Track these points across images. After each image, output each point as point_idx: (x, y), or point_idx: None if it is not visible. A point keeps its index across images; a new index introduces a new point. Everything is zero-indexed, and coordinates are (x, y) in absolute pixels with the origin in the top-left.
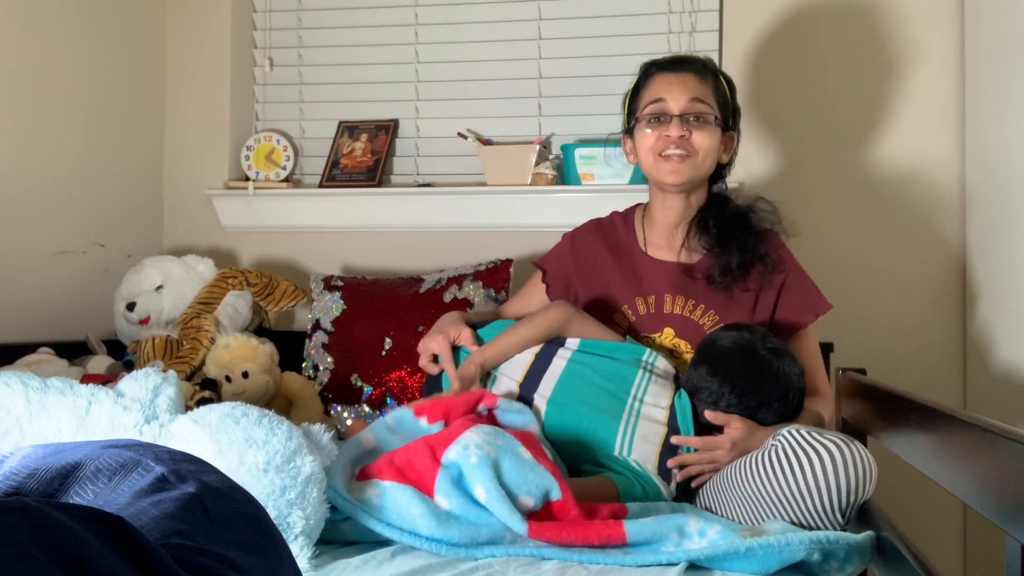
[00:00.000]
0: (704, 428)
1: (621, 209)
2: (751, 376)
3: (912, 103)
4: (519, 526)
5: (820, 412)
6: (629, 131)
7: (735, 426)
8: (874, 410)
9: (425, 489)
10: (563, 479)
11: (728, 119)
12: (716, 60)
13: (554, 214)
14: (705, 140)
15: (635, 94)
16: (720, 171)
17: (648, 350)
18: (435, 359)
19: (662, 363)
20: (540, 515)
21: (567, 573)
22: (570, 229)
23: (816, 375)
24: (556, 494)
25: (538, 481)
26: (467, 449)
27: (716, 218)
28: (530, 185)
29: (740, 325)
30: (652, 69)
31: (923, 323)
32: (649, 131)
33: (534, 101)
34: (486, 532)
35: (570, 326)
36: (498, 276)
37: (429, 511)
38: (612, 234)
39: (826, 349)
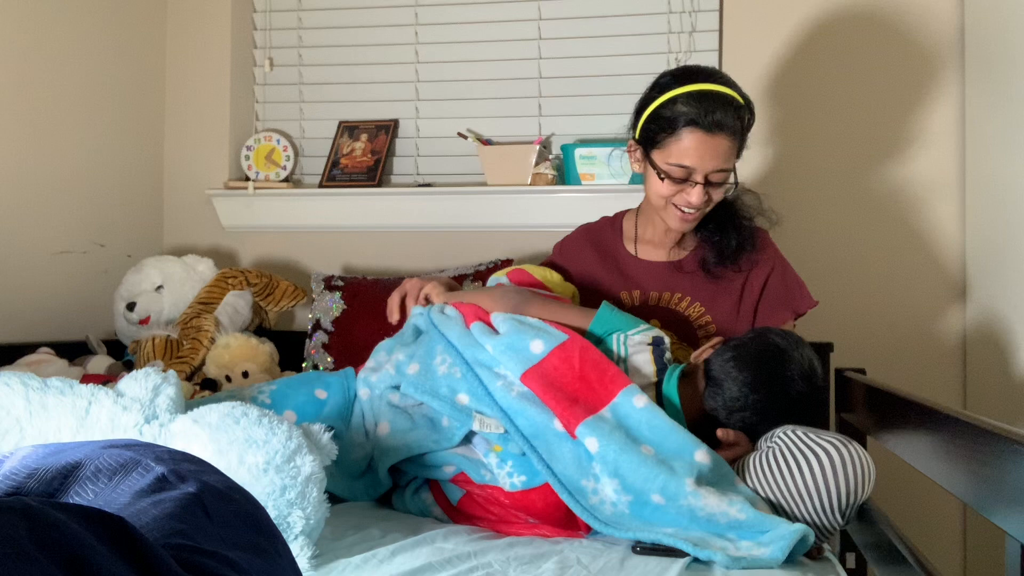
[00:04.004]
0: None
1: (621, 209)
2: (775, 413)
3: (913, 100)
4: (552, 341)
5: None
6: (641, 144)
7: (742, 443)
8: (873, 410)
9: (467, 321)
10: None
11: (742, 148)
12: (715, 60)
13: (554, 214)
14: (719, 195)
15: (659, 123)
16: None
17: (616, 341)
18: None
19: (633, 349)
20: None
21: (567, 573)
22: (570, 230)
23: None
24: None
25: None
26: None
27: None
28: (530, 185)
29: (795, 345)
30: (686, 115)
31: (923, 323)
32: (667, 182)
33: (534, 101)
34: (490, 361)
35: (526, 310)
36: None
37: (462, 332)
38: (600, 238)
39: (826, 349)
